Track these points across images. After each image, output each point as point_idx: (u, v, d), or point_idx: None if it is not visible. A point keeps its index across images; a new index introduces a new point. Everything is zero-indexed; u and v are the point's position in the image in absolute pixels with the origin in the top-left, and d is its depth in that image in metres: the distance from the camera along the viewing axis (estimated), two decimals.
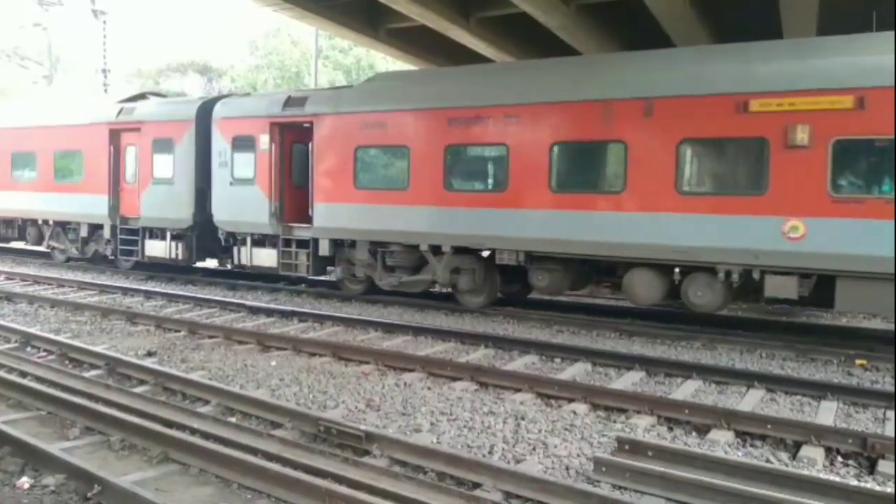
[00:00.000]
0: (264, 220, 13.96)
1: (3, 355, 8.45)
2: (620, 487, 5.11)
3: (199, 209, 15.04)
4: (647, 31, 16.90)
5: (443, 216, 11.99)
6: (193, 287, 14.99)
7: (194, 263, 16.25)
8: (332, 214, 13.19)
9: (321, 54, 36.10)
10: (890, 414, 6.99)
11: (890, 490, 5.13)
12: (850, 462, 5.83)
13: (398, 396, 7.33)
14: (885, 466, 5.59)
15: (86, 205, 16.82)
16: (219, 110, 14.82)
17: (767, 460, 5.82)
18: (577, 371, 8.57)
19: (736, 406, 7.10)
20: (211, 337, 10.07)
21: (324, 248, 13.42)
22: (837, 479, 5.32)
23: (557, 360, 9.07)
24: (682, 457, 5.47)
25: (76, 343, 9.17)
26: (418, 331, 10.46)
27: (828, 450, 5.97)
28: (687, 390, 7.76)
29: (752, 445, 6.21)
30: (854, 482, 5.30)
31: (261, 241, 14.27)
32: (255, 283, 14.86)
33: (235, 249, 14.65)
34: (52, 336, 9.55)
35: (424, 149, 12.11)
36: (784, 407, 7.29)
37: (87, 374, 7.84)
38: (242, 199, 14.19)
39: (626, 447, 5.65)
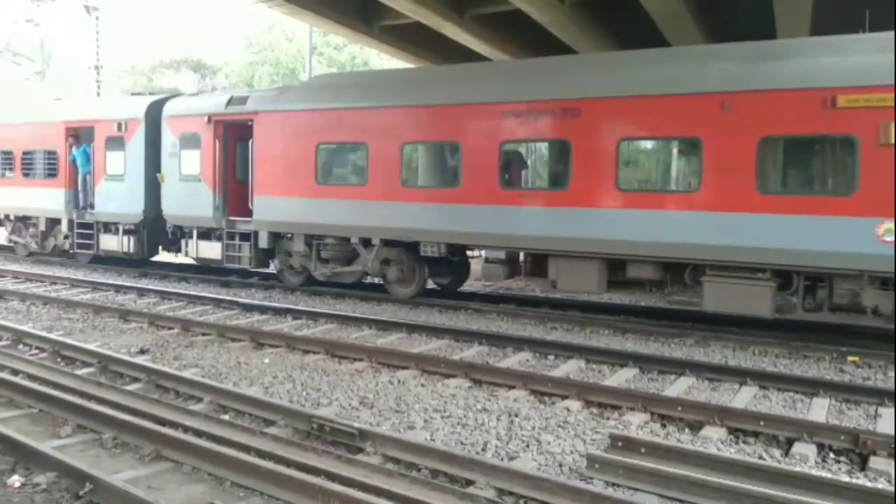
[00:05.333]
0: None
1: None
2: (613, 484, 5.12)
3: None
4: (641, 29, 16.92)
5: None
6: (187, 284, 14.92)
7: None
8: None
9: (315, 51, 36.00)
10: (882, 410, 7.01)
11: (881, 486, 5.16)
12: (842, 458, 5.86)
13: (392, 394, 7.33)
14: (876, 463, 5.62)
15: None
16: None
17: (760, 457, 5.84)
18: (570, 368, 8.58)
19: (729, 403, 7.11)
20: (204, 334, 10.04)
21: None
22: (829, 475, 5.35)
23: (551, 357, 9.08)
24: (675, 453, 5.48)
25: (68, 341, 9.14)
26: (412, 328, 10.45)
27: (820, 446, 5.99)
28: (680, 387, 7.77)
29: (744, 442, 6.23)
30: (846, 478, 5.32)
31: None
32: (249, 281, 14.80)
33: None
34: (44, 334, 9.51)
35: None
36: (776, 403, 7.31)
37: (79, 372, 7.81)
38: None
39: (620, 444, 5.66)
